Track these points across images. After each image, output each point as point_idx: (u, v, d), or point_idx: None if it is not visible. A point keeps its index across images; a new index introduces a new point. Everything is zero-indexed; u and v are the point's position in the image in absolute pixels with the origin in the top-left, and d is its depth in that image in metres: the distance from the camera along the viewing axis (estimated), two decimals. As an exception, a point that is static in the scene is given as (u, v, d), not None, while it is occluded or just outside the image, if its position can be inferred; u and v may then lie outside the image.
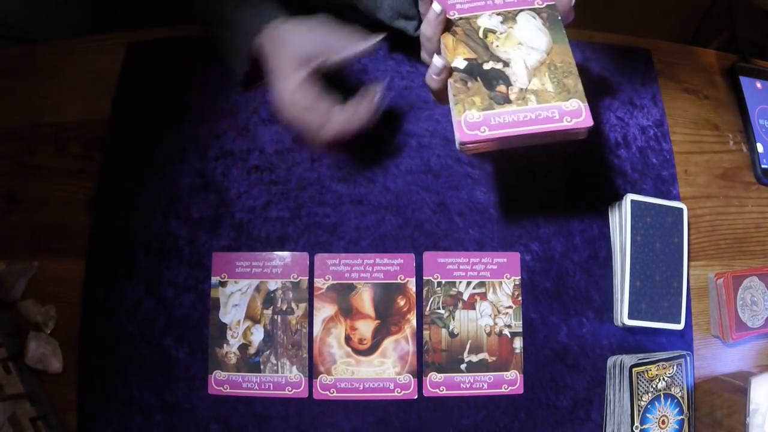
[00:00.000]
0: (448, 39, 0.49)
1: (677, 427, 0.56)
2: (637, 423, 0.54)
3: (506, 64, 0.47)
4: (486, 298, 0.58)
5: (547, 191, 0.61)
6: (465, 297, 0.58)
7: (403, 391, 0.56)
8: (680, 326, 0.57)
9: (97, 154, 0.61)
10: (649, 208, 0.58)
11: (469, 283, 0.58)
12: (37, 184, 0.60)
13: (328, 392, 0.56)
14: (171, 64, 0.63)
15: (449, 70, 0.47)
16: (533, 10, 0.49)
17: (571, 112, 0.45)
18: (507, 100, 0.46)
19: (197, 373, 0.56)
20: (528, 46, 0.48)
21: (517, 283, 0.58)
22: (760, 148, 0.66)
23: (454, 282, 0.58)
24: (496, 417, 0.56)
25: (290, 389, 0.55)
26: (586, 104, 0.45)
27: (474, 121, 0.45)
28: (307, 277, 0.57)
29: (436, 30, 0.48)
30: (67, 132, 0.62)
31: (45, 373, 0.55)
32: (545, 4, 0.49)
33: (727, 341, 0.59)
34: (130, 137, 0.61)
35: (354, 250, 0.58)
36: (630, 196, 0.58)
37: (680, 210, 0.59)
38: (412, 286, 0.58)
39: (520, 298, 0.58)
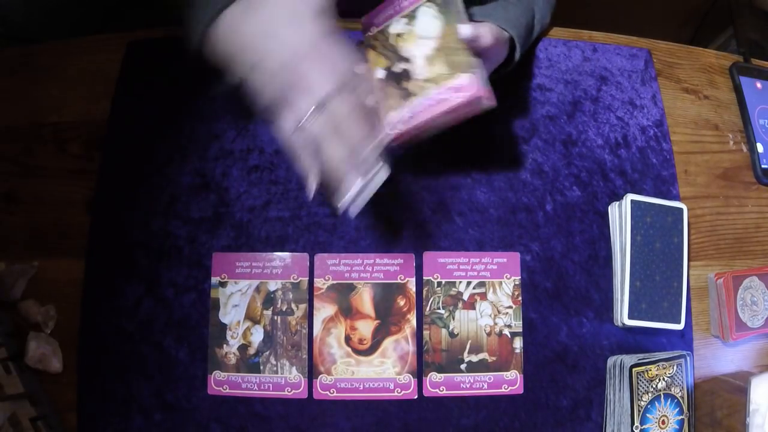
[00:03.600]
0: (370, 54, 0.54)
1: (677, 427, 0.56)
2: (637, 423, 0.54)
3: (409, 60, 0.51)
4: (486, 298, 0.58)
5: (547, 191, 0.61)
6: (465, 297, 0.58)
7: (403, 391, 0.56)
8: (680, 326, 0.58)
9: (97, 154, 0.61)
10: (649, 208, 0.58)
11: (469, 283, 0.58)
12: (37, 184, 0.60)
13: (328, 392, 0.56)
14: (171, 63, 0.63)
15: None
16: (430, 1, 0.51)
17: (461, 87, 0.48)
18: (412, 94, 0.50)
19: (197, 373, 0.56)
20: (426, 37, 0.51)
21: (517, 283, 0.58)
22: (760, 148, 0.66)
23: (454, 282, 0.58)
24: (496, 417, 0.56)
25: (290, 390, 0.55)
26: (472, 74, 0.48)
27: (392, 121, 0.51)
28: (307, 278, 0.57)
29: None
30: (67, 132, 0.62)
31: (45, 373, 0.55)
32: None
33: (727, 341, 0.59)
34: (130, 137, 0.60)
35: (354, 250, 0.58)
36: (630, 196, 0.58)
37: (680, 210, 0.59)
38: (412, 286, 0.58)
39: (520, 298, 0.58)
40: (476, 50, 0.51)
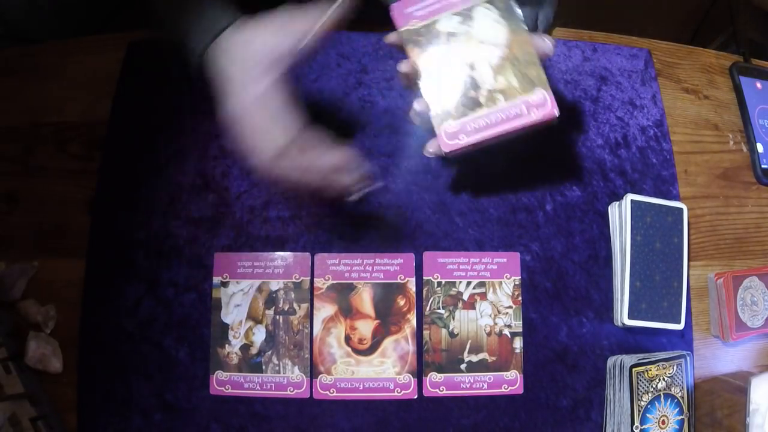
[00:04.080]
0: (414, 51, 0.49)
1: (677, 427, 0.56)
2: (637, 423, 0.54)
3: (472, 67, 0.48)
4: (486, 298, 0.58)
5: (547, 191, 0.61)
6: (465, 297, 0.58)
7: (403, 391, 0.56)
8: (680, 326, 0.58)
9: (98, 154, 0.61)
10: (649, 208, 0.58)
11: (469, 283, 0.58)
12: (37, 184, 0.60)
13: (328, 392, 0.56)
14: (171, 64, 0.63)
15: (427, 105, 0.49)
16: (488, 1, 0.48)
17: (537, 104, 0.47)
18: (478, 104, 0.47)
19: (197, 373, 0.56)
20: (489, 43, 0.48)
21: (517, 283, 0.58)
22: (760, 148, 0.66)
23: (454, 282, 0.58)
24: (496, 417, 0.56)
25: (292, 389, 0.55)
26: (549, 92, 0.46)
27: (452, 131, 0.48)
28: (309, 278, 0.57)
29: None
30: (67, 132, 0.62)
31: (45, 373, 0.55)
32: None
33: (727, 341, 0.59)
34: (130, 137, 0.60)
35: (354, 250, 0.58)
36: (630, 196, 0.58)
37: (680, 210, 0.59)
38: (412, 286, 0.58)
39: (520, 298, 0.58)
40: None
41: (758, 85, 0.69)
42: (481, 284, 0.58)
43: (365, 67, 0.63)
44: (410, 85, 0.50)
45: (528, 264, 0.59)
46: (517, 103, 0.47)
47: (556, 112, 0.46)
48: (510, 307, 0.58)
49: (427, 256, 0.58)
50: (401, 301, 0.57)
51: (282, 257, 0.58)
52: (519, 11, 0.48)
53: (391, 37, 0.50)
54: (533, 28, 0.60)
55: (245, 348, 0.56)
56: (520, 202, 0.60)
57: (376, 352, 0.56)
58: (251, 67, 0.44)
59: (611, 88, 0.65)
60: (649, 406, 0.55)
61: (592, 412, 0.57)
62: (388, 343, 0.57)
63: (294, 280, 0.57)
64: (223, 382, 0.55)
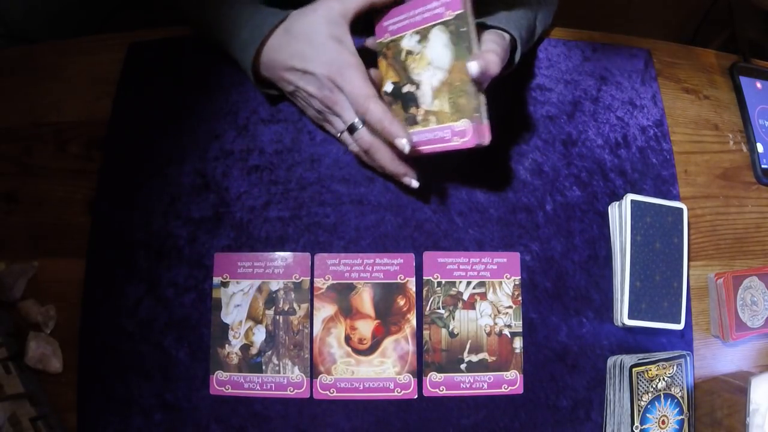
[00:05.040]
0: (382, 63, 0.54)
1: (677, 427, 0.56)
2: (637, 423, 0.54)
3: (418, 86, 0.51)
4: (486, 298, 0.58)
5: (547, 191, 0.61)
6: (465, 297, 0.58)
7: (403, 391, 0.56)
8: (680, 326, 0.58)
9: (97, 154, 0.61)
10: (649, 208, 0.58)
11: (469, 283, 0.58)
12: (37, 184, 0.60)
13: (328, 392, 0.56)
14: (171, 64, 0.63)
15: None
16: (443, 23, 0.49)
17: (460, 133, 0.48)
18: (415, 122, 0.51)
19: (197, 373, 0.56)
20: (435, 66, 0.50)
21: (517, 283, 0.58)
22: (760, 148, 0.66)
23: (454, 282, 0.58)
24: (496, 417, 0.56)
25: (292, 389, 0.55)
26: (475, 124, 0.48)
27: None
28: (309, 278, 0.57)
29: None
30: (67, 132, 0.62)
31: (45, 373, 0.55)
32: (455, 13, 0.48)
33: (727, 341, 0.59)
34: (130, 137, 0.60)
35: (354, 250, 0.58)
36: (630, 196, 0.58)
37: (680, 210, 0.59)
38: (412, 286, 0.58)
39: (520, 298, 0.58)
40: (484, 80, 0.48)
41: (758, 85, 0.69)
42: (481, 284, 0.58)
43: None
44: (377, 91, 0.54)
45: (528, 264, 0.59)
46: (445, 128, 0.49)
47: (477, 141, 0.48)
48: (510, 307, 0.58)
49: (427, 256, 0.58)
50: (401, 301, 0.57)
51: (282, 257, 0.58)
52: (474, 38, 0.48)
53: (368, 42, 0.55)
54: (532, 29, 0.59)
55: (245, 348, 0.56)
56: (520, 202, 0.60)
57: (376, 352, 0.56)
58: (316, 44, 0.49)
59: (611, 88, 0.65)
60: (649, 406, 0.55)
61: (592, 412, 0.57)
62: (388, 343, 0.57)
63: (294, 280, 0.57)
64: (223, 382, 0.55)
